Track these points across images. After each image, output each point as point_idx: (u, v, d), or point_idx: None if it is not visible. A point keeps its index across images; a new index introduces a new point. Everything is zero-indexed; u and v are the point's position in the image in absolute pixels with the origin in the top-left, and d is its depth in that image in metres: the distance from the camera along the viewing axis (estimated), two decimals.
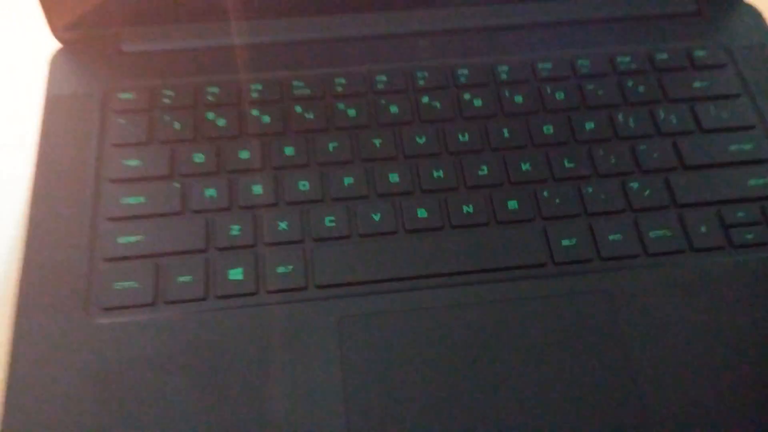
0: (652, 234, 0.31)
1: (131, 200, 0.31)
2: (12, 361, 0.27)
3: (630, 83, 0.35)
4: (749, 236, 0.31)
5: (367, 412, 0.26)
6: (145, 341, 0.28)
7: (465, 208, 0.31)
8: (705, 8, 0.38)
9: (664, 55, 0.36)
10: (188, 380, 0.27)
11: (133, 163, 0.32)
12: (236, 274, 0.29)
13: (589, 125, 0.34)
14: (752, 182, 0.32)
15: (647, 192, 0.32)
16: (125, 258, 0.30)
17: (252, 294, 0.29)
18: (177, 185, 0.31)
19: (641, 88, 0.35)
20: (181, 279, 0.29)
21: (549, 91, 0.35)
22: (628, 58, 0.36)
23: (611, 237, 0.31)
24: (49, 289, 0.29)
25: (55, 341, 0.28)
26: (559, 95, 0.35)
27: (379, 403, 0.27)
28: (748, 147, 0.33)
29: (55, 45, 0.36)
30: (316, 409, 0.26)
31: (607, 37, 0.37)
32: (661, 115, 0.34)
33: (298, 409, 0.26)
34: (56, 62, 0.35)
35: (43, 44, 0.36)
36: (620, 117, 0.34)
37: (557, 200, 0.31)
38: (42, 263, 0.29)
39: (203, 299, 0.29)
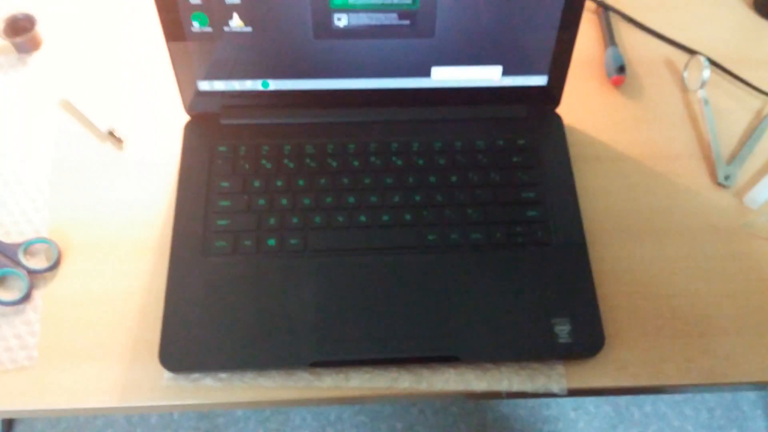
0: (472, 236, 0.58)
1: (222, 203, 0.59)
2: (169, 274, 0.56)
3: (479, 156, 0.62)
4: (519, 239, 0.58)
5: (327, 308, 0.54)
6: (229, 270, 0.56)
7: (384, 217, 0.59)
8: (532, 115, 0.64)
9: (501, 142, 0.62)
10: (246, 287, 0.55)
11: (225, 184, 0.60)
12: (271, 242, 0.57)
13: (454, 178, 0.60)
14: (528, 213, 0.59)
15: (475, 215, 0.59)
16: (220, 231, 0.58)
17: (278, 251, 0.57)
18: (245, 197, 0.59)
19: (484, 160, 0.61)
20: (246, 242, 0.57)
21: (436, 158, 0.61)
22: (482, 142, 0.62)
23: (452, 236, 0.58)
24: (186, 243, 0.57)
25: (189, 266, 0.56)
26: (441, 161, 0.61)
27: (334, 304, 0.54)
28: (532, 194, 0.60)
29: (187, 117, 0.64)
30: (302, 303, 0.54)
31: (474, 129, 0.63)
32: (491, 174, 0.61)
33: (299, 302, 0.54)
34: (188, 127, 0.63)
35: (184, 115, 0.64)
36: (470, 175, 0.61)
37: (430, 216, 0.59)
38: (182, 231, 0.58)
39: (256, 252, 0.57)
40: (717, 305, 0.57)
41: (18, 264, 0.57)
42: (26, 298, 0.56)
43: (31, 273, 0.57)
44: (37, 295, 0.56)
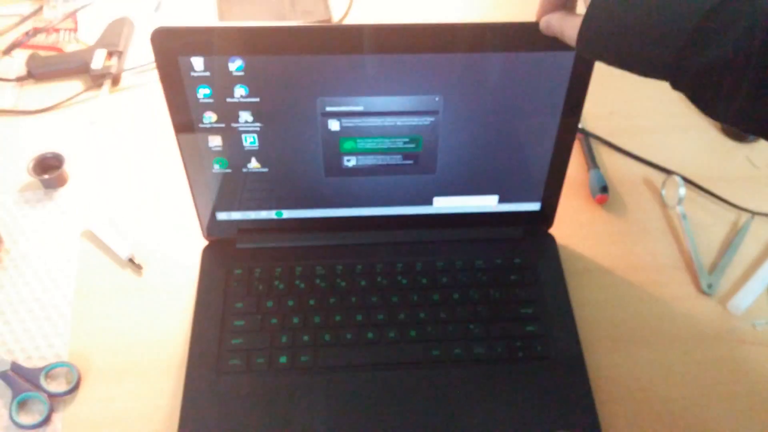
0: (475, 350, 0.60)
1: (237, 323, 0.62)
2: (184, 396, 0.58)
3: (479, 275, 0.65)
4: (520, 354, 0.60)
5: (337, 428, 0.56)
6: (242, 388, 0.58)
7: (390, 334, 0.61)
8: (527, 235, 0.68)
9: (499, 261, 0.66)
10: (258, 407, 0.57)
11: (240, 305, 0.63)
12: (283, 359, 0.60)
13: (456, 296, 0.64)
14: (527, 328, 0.62)
15: (477, 331, 0.62)
16: (234, 350, 0.60)
17: (289, 368, 0.59)
18: (259, 316, 0.62)
19: (484, 278, 0.65)
20: (258, 360, 0.60)
21: (438, 277, 0.65)
22: (481, 261, 0.66)
23: (455, 351, 0.60)
24: (200, 363, 0.60)
25: (203, 384, 0.58)
26: (443, 279, 0.65)
27: (343, 423, 0.56)
28: (530, 310, 0.63)
29: (204, 242, 0.68)
30: (313, 422, 0.56)
31: (474, 249, 0.67)
32: (491, 292, 0.64)
33: (309, 421, 0.56)
34: (205, 252, 0.67)
35: (201, 241, 0.68)
36: (471, 292, 0.64)
37: (434, 332, 0.61)
38: (197, 351, 0.60)
39: (268, 369, 0.59)
40: (711, 409, 0.59)
41: (39, 388, 0.59)
42: (46, 421, 0.57)
43: (52, 396, 0.58)
44: (57, 418, 0.58)
